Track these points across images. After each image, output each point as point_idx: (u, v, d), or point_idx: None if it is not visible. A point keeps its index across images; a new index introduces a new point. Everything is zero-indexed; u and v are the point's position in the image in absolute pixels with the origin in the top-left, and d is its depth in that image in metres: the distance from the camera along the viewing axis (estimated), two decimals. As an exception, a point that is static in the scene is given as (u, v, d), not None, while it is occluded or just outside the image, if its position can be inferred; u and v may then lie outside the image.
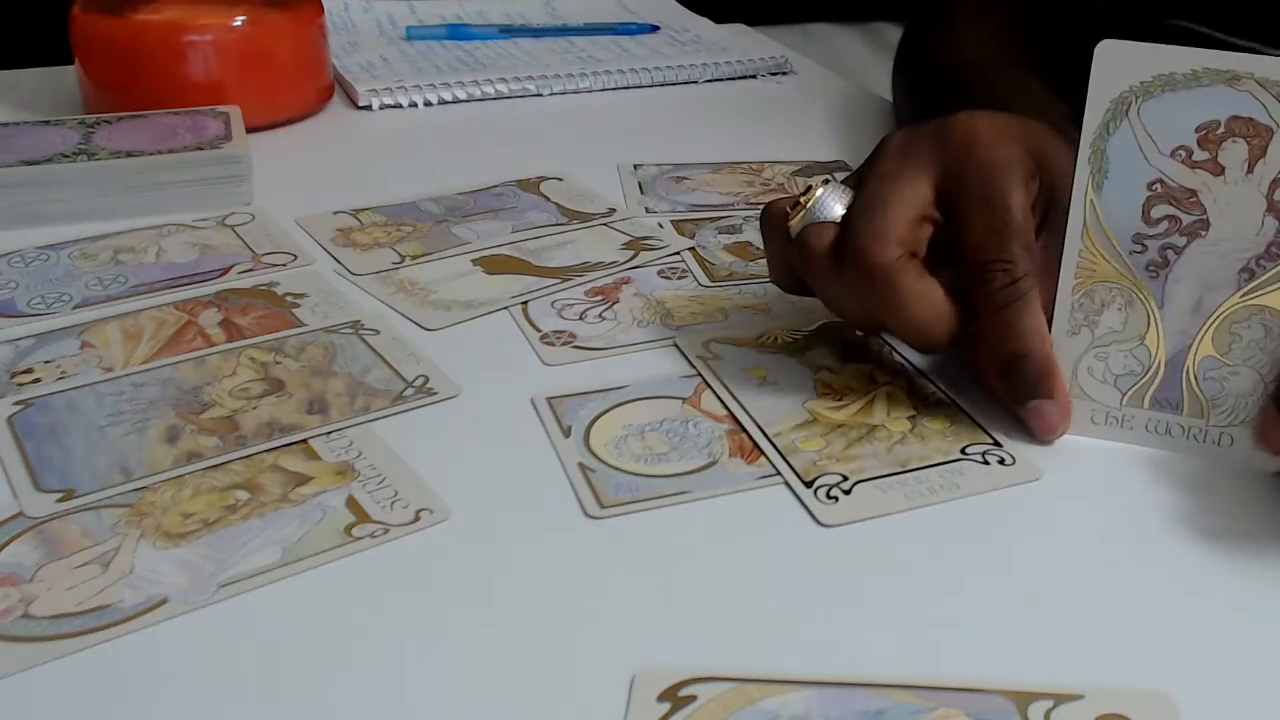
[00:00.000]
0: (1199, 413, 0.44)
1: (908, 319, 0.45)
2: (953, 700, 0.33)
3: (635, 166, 0.72)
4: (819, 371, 0.50)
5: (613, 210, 0.66)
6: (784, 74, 0.92)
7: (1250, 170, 0.41)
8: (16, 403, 0.47)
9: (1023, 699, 0.33)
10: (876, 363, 0.50)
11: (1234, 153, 0.41)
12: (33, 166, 0.64)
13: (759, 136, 0.79)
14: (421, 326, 0.53)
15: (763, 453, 0.44)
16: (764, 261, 0.60)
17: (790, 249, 0.48)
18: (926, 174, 0.47)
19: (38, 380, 0.49)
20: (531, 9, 1.03)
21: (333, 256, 0.60)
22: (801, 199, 0.48)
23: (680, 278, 0.58)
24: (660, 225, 0.64)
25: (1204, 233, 0.42)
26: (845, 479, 0.43)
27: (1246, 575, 0.39)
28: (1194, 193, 0.42)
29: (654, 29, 0.99)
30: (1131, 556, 0.40)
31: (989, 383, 0.47)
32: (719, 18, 1.03)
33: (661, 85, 0.89)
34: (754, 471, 0.44)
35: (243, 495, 0.42)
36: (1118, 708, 0.33)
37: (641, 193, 0.68)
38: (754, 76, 0.91)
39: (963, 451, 0.45)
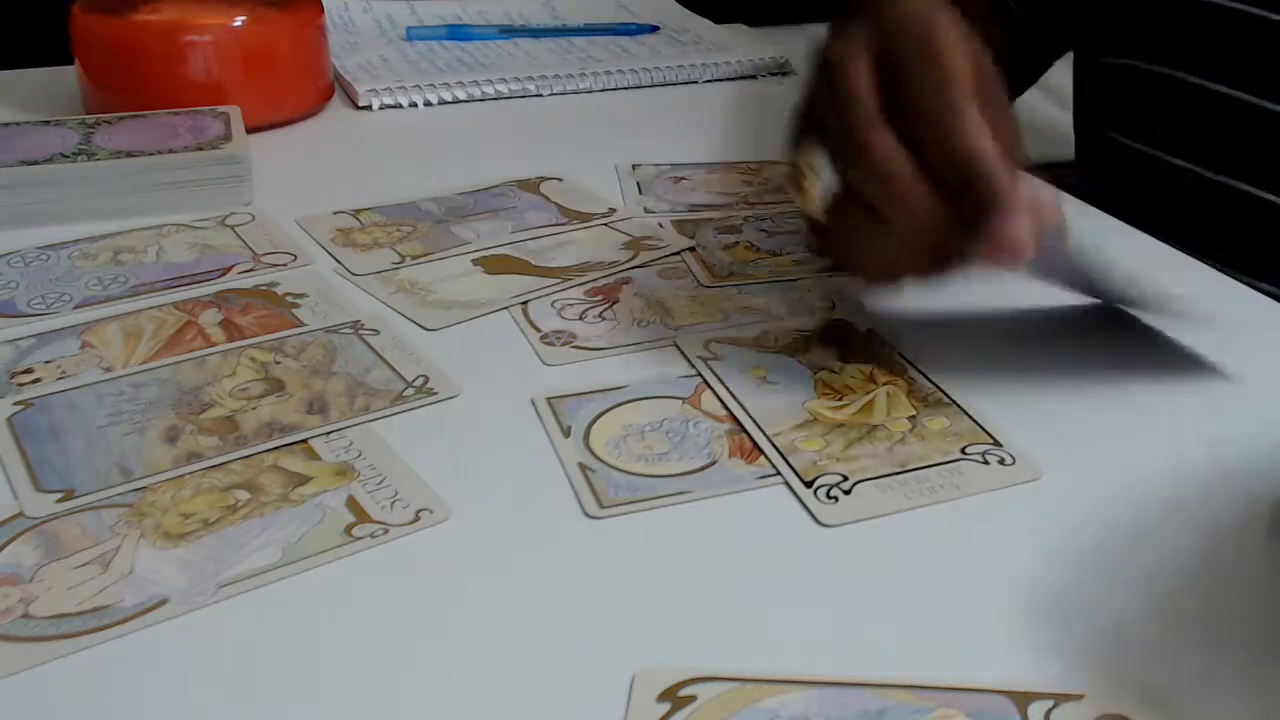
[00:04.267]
0: None
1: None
2: (953, 700, 0.33)
3: (634, 166, 0.72)
4: (819, 371, 0.50)
5: (613, 210, 0.66)
6: (784, 74, 0.92)
7: None
8: (16, 403, 0.47)
9: (1023, 699, 0.33)
10: (876, 363, 0.50)
11: None
12: (33, 166, 0.64)
13: (759, 136, 0.79)
14: (421, 326, 0.53)
15: (763, 453, 0.44)
16: (763, 261, 0.60)
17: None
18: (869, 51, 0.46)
19: (38, 380, 0.49)
20: (531, 9, 1.03)
21: (333, 256, 0.60)
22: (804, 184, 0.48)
23: (680, 278, 0.58)
24: (660, 225, 0.64)
25: None
26: (845, 479, 0.43)
27: (1247, 575, 0.39)
28: None
29: (654, 29, 0.99)
30: (1131, 557, 0.40)
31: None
32: (719, 18, 1.03)
33: (661, 85, 0.89)
34: (754, 471, 0.44)
35: (243, 495, 0.42)
36: (1118, 708, 0.33)
37: (640, 193, 0.68)
38: (754, 76, 0.91)
39: (963, 451, 0.45)
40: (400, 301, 0.56)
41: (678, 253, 0.61)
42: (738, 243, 0.62)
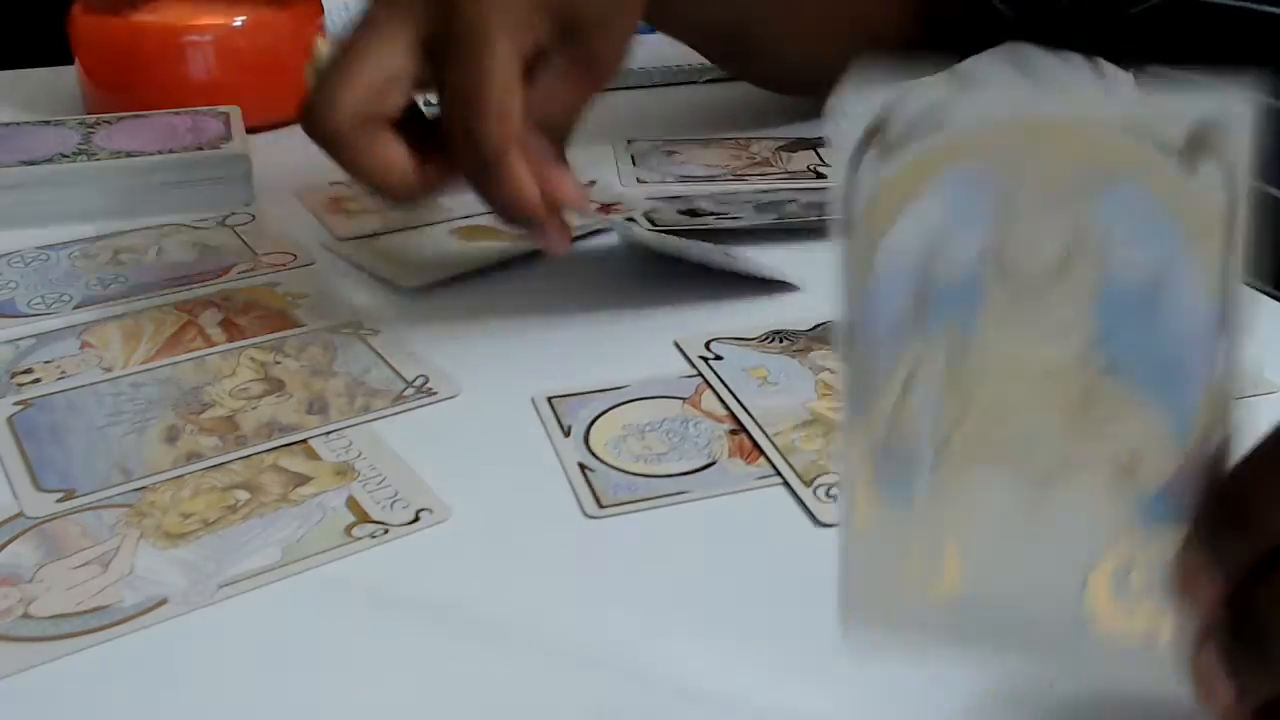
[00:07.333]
0: None
1: (365, 181, 0.48)
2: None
3: (629, 141, 0.74)
4: (820, 372, 0.50)
5: (593, 182, 0.67)
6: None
7: None
8: (16, 403, 0.47)
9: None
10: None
11: None
12: (33, 166, 0.64)
13: (749, 111, 0.80)
14: (395, 285, 0.56)
15: (763, 453, 0.44)
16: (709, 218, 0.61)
17: None
18: (406, 29, 0.47)
19: (38, 380, 0.49)
20: (531, 9, 1.03)
21: (321, 223, 0.63)
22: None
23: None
24: (652, 207, 0.65)
25: None
26: (845, 479, 0.43)
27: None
28: None
29: (653, 29, 0.99)
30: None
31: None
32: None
33: (661, 85, 0.89)
34: (754, 471, 0.44)
35: (243, 495, 0.42)
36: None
37: (634, 165, 0.71)
38: (754, 76, 0.91)
39: (962, 451, 0.45)
40: (377, 263, 0.58)
41: (632, 217, 0.62)
42: (692, 209, 0.63)
